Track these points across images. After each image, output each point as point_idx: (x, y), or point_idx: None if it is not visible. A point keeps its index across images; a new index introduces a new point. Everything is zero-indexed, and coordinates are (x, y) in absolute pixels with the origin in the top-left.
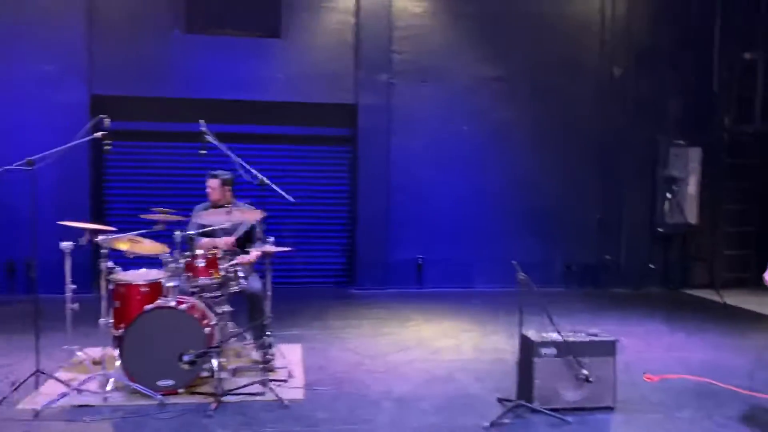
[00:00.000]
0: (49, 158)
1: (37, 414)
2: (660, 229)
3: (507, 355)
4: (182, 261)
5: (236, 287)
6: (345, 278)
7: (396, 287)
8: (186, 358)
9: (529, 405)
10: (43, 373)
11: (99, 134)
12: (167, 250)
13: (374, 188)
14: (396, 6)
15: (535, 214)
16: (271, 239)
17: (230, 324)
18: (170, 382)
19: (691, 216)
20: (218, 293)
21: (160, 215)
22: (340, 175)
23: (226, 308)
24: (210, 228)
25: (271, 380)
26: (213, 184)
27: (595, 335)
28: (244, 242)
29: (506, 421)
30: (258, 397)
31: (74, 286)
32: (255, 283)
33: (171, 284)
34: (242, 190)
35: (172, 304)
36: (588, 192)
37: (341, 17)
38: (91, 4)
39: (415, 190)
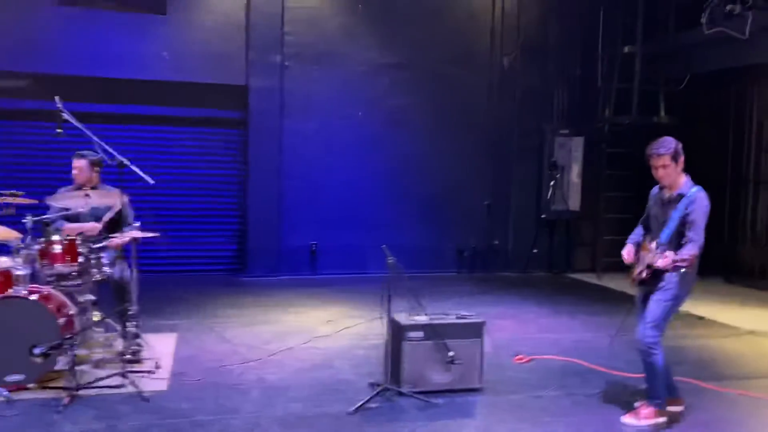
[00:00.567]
0: None
1: None
2: (544, 216)
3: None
4: (35, 247)
5: (99, 275)
6: (236, 265)
7: (289, 274)
8: (37, 350)
9: (396, 388)
10: None
11: None
12: (19, 236)
13: (266, 173)
14: None
15: (429, 200)
16: (138, 224)
17: (94, 314)
18: (20, 377)
19: (574, 203)
20: (79, 281)
21: (8, 198)
22: (230, 159)
23: (89, 297)
24: (74, 212)
25: (134, 372)
26: (80, 165)
27: (464, 317)
28: (113, 227)
29: (373, 405)
30: (117, 390)
31: None
32: (121, 271)
33: (21, 272)
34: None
35: (23, 293)
36: (479, 179)
37: None
38: None
39: (309, 176)
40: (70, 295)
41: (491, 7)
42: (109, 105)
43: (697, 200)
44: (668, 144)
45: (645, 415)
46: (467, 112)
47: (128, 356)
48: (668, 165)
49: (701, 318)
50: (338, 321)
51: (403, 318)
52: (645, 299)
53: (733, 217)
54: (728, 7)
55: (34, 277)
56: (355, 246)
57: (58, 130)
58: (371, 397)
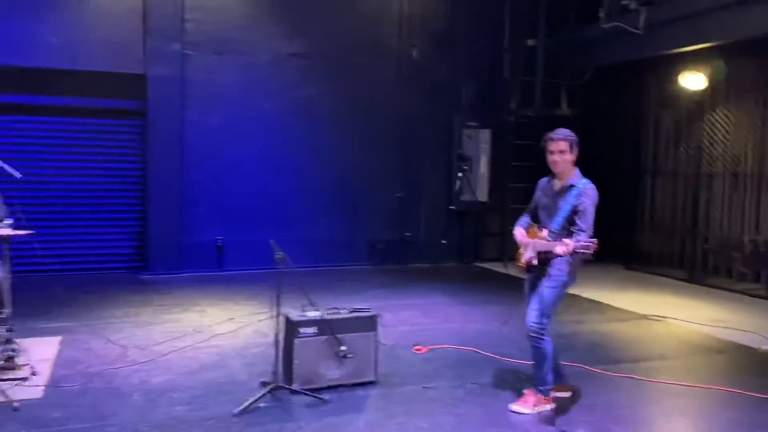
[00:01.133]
0: None
1: None
2: (452, 207)
3: None
4: None
5: None
6: (137, 263)
7: (193, 271)
8: None
9: (287, 386)
10: None
11: None
12: None
13: (167, 166)
14: None
15: (339, 193)
16: (10, 221)
17: None
18: None
19: (482, 194)
20: None
21: None
22: (129, 152)
23: None
24: None
25: (6, 380)
26: None
27: (357, 311)
28: None
29: (261, 405)
30: None
31: None
32: None
33: None
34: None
35: None
36: (390, 171)
37: None
38: None
39: (213, 169)
40: None
41: None
42: None
43: (587, 191)
44: (566, 132)
45: (532, 402)
46: (377, 103)
47: (0, 363)
48: (565, 151)
49: (596, 302)
50: (240, 319)
51: (295, 314)
52: (533, 285)
53: (632, 206)
54: (624, 2)
55: None
56: (264, 241)
57: None
58: (259, 397)
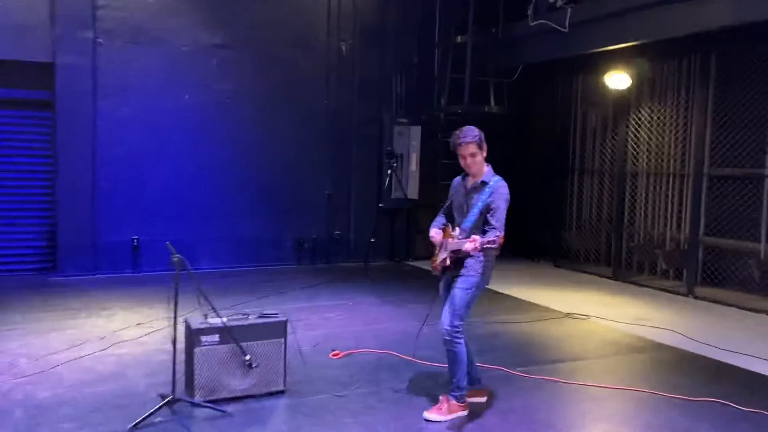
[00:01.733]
0: None
1: None
2: (382, 205)
3: None
4: None
5: None
6: (46, 264)
7: (107, 272)
8: None
9: (187, 399)
10: None
11: None
12: None
13: (78, 160)
14: None
15: (266, 190)
16: None
17: None
18: None
19: (413, 191)
20: None
21: None
22: (37, 146)
23: None
24: None
25: None
26: None
27: (266, 317)
28: None
29: (157, 420)
30: None
31: None
32: None
33: None
34: None
35: None
36: (318, 167)
37: None
38: None
39: (129, 164)
40: None
41: None
42: None
43: (498, 189)
44: (473, 132)
45: (447, 410)
46: (305, 97)
47: None
48: (476, 153)
49: (521, 300)
50: (149, 324)
51: (196, 321)
52: (448, 287)
53: (560, 204)
54: (551, 0)
55: None
56: (185, 240)
57: None
58: (152, 412)
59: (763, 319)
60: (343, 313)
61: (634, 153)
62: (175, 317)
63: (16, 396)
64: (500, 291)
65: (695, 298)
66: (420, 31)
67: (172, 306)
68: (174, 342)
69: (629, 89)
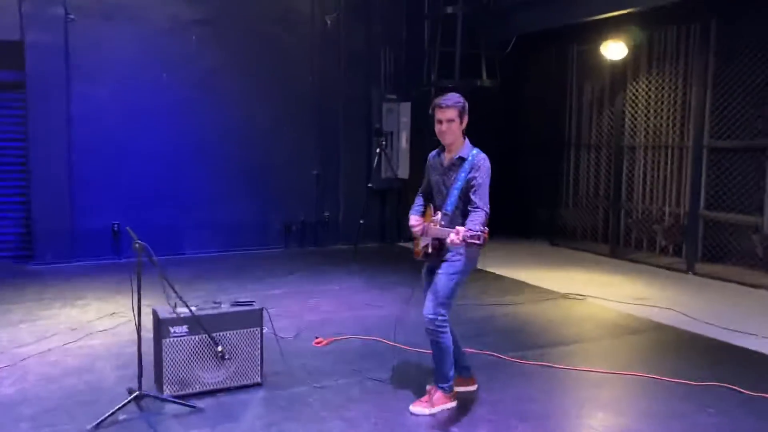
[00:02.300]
0: None
1: None
2: (371, 185)
3: None
4: None
5: None
6: (23, 252)
7: (87, 259)
8: None
9: (151, 394)
10: None
11: None
12: None
13: (52, 144)
14: None
15: (250, 172)
16: None
17: None
18: None
19: (403, 171)
20: None
21: None
22: (9, 128)
23: None
24: None
25: None
26: None
27: (240, 305)
28: None
29: (122, 417)
30: None
31: None
32: None
33: None
34: None
35: None
36: (305, 147)
37: None
38: None
39: (107, 146)
40: None
41: None
42: None
43: (478, 162)
44: (456, 97)
45: (434, 402)
46: (289, 75)
47: None
48: (453, 120)
49: (516, 281)
50: (124, 313)
51: (164, 311)
52: (431, 272)
53: (556, 181)
54: None
55: None
56: (167, 225)
57: None
58: (117, 409)
59: (766, 295)
60: (330, 297)
61: (632, 126)
62: (139, 308)
63: None
64: (493, 271)
65: (695, 274)
66: (408, 2)
67: (136, 297)
68: (139, 334)
69: (626, 59)
